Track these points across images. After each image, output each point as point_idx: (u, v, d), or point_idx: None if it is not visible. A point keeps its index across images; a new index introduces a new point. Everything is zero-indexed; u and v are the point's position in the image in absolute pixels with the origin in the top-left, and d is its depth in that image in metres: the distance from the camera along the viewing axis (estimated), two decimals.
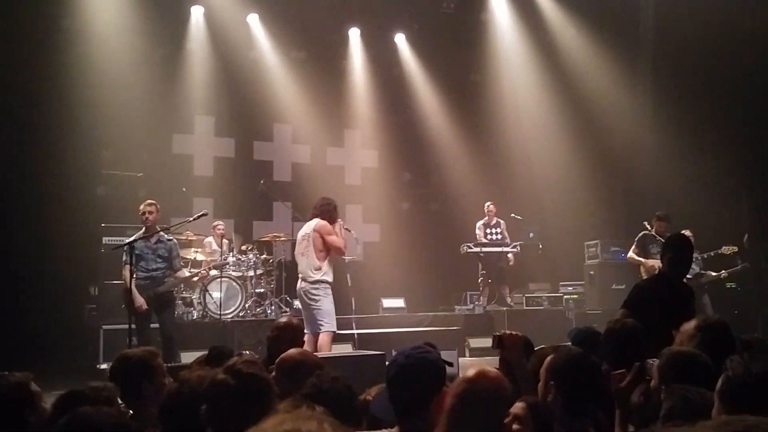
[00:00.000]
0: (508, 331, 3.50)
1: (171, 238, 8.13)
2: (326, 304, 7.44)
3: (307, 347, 6.42)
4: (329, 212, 7.61)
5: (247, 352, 4.81)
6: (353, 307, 8.96)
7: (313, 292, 7.42)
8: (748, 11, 10.40)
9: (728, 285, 10.69)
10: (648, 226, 9.70)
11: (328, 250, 7.48)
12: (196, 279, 9.28)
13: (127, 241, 7.77)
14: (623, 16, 12.67)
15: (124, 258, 7.64)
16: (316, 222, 7.57)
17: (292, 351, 3.80)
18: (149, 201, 7.89)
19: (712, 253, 9.82)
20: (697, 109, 11.31)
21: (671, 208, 10.03)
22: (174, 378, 3.43)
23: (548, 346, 3.66)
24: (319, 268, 7.43)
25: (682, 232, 9.32)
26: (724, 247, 9.88)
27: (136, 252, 7.53)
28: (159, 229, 7.92)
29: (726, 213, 11.53)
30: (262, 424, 1.33)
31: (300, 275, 7.62)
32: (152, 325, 7.89)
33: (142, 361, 3.67)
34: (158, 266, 7.83)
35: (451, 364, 2.98)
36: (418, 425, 2.73)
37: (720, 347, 3.16)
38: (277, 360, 3.67)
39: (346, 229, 8.25)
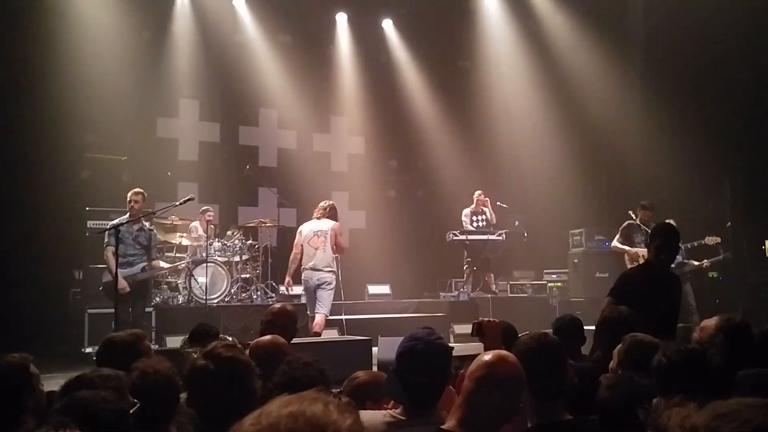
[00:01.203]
0: (486, 319, 3.52)
1: (152, 228, 8.31)
2: (331, 293, 8.61)
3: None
4: (335, 212, 8.88)
5: (230, 339, 4.74)
6: (341, 294, 9.06)
7: (329, 281, 8.56)
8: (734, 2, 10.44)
9: (710, 274, 10.81)
10: (632, 215, 9.76)
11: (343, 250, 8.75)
12: (176, 268, 9.46)
13: (110, 224, 7.86)
14: (612, 4, 12.65)
15: (106, 240, 7.81)
16: (333, 223, 8.73)
17: (264, 338, 3.79)
18: (137, 190, 7.99)
19: (695, 243, 9.86)
20: (683, 101, 11.39)
21: (655, 198, 10.09)
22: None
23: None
24: (334, 261, 8.64)
25: (666, 221, 9.45)
26: (707, 238, 9.93)
27: (118, 236, 7.61)
28: (142, 217, 8.06)
29: (710, 203, 11.63)
30: (267, 407, 1.32)
31: (312, 266, 8.60)
32: None
33: (128, 345, 3.63)
34: (135, 252, 7.97)
35: (452, 348, 2.99)
36: (427, 411, 2.75)
37: (741, 348, 3.22)
38: (249, 348, 3.65)
39: None
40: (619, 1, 12.69)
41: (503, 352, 2.64)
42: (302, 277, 8.72)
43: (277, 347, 3.62)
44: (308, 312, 8.62)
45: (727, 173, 11.57)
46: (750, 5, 10.19)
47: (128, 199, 7.93)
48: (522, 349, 2.81)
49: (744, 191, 11.36)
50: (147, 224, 8.18)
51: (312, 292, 8.61)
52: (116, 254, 7.55)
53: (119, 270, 7.60)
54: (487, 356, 2.56)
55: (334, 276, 8.62)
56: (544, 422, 2.67)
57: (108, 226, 7.84)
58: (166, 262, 9.28)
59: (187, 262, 9.43)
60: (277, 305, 5.07)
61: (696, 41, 11.13)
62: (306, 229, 8.78)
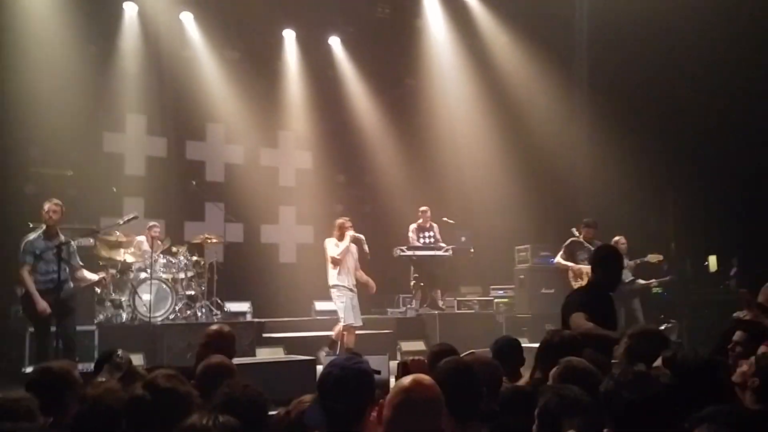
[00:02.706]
0: (412, 357, 3.60)
1: (69, 239, 7.66)
2: (338, 303, 9.31)
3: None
4: (338, 230, 9.49)
5: (120, 352, 4.48)
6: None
7: (332, 294, 9.39)
8: (678, 24, 10.74)
9: (654, 290, 11.00)
10: (576, 233, 9.96)
11: (335, 262, 9.30)
12: (98, 280, 8.42)
13: (25, 240, 7.37)
14: (558, 26, 12.84)
15: (24, 258, 7.28)
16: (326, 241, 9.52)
17: (213, 359, 3.80)
18: (55, 200, 7.52)
19: (638, 261, 10.09)
20: (628, 119, 11.56)
21: (600, 215, 10.30)
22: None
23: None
24: (332, 276, 9.34)
25: (615, 238, 9.68)
26: (649, 255, 10.15)
27: (37, 252, 7.27)
28: (59, 230, 7.56)
29: (653, 221, 11.86)
30: None
31: None
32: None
33: (65, 372, 3.59)
34: (57, 269, 7.31)
35: (379, 372, 3.04)
36: None
37: (648, 354, 3.35)
38: (199, 368, 3.68)
39: (356, 236, 9.61)
40: (565, 23, 12.88)
41: (420, 375, 2.69)
42: None
43: (228, 368, 3.64)
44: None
45: (670, 191, 11.82)
46: (691, 31, 10.50)
47: (46, 209, 7.38)
48: (439, 373, 2.94)
49: (686, 209, 11.60)
50: (63, 236, 7.55)
51: None
52: (61, 271, 7.21)
53: (43, 289, 7.23)
54: (404, 381, 2.62)
55: (333, 290, 9.34)
56: None
57: (23, 243, 7.31)
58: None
59: (113, 275, 8.83)
60: (214, 327, 4.98)
61: (641, 62, 11.35)
62: None
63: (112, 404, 2.93)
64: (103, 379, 4.04)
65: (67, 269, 7.56)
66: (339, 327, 9.39)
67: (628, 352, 3.47)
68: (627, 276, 9.69)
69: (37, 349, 7.44)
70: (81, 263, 7.95)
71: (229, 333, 4.89)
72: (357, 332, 11.08)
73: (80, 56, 11.49)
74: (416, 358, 3.53)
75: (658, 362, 3.29)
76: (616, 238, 9.82)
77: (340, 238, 9.43)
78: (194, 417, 2.55)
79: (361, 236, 9.70)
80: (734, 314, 4.55)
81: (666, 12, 10.75)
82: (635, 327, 3.79)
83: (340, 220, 9.68)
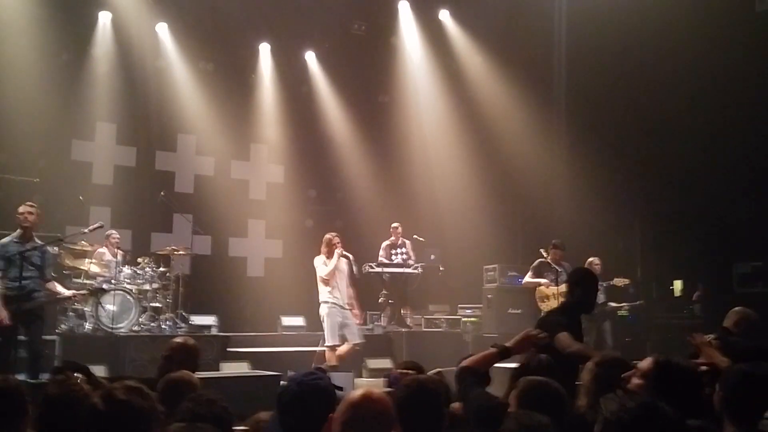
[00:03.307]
0: (399, 371, 3.56)
1: (44, 244, 7.49)
2: (326, 322, 9.10)
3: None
4: (326, 246, 9.25)
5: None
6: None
7: (320, 311, 9.18)
8: (656, 51, 10.92)
9: (620, 313, 11.11)
10: (544, 254, 10.01)
11: (324, 282, 9.14)
12: (70, 297, 8.10)
13: None
14: (536, 47, 12.92)
15: None
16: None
17: (175, 374, 3.74)
18: (29, 203, 7.41)
19: (604, 284, 10.17)
20: (599, 146, 11.69)
21: (568, 238, 10.35)
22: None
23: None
24: (323, 292, 9.15)
25: (590, 259, 9.75)
26: (616, 279, 10.28)
27: (8, 256, 7.10)
28: (34, 235, 7.40)
29: (620, 245, 11.97)
30: None
31: None
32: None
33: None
34: (29, 275, 7.14)
35: (341, 389, 3.00)
36: None
37: (613, 381, 3.36)
38: (160, 382, 3.63)
39: (344, 255, 9.39)
40: (543, 45, 12.90)
41: (370, 389, 2.63)
42: None
43: (190, 383, 3.58)
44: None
45: (637, 217, 11.95)
46: (668, 57, 10.68)
47: (20, 212, 7.21)
48: (400, 393, 2.92)
49: (653, 234, 11.74)
50: (39, 241, 7.41)
51: None
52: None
53: (7, 295, 7.02)
54: (353, 396, 2.56)
55: (322, 307, 9.14)
56: None
57: None
58: (73, 288, 8.50)
59: (87, 290, 8.63)
60: (178, 339, 4.89)
61: (619, 89, 11.49)
62: None
63: (77, 403, 2.87)
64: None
65: (36, 276, 7.34)
66: (328, 351, 9.13)
67: (596, 379, 3.49)
68: (600, 298, 9.76)
69: None
70: (53, 275, 7.76)
71: (194, 346, 4.80)
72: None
73: (51, 63, 11.44)
74: (404, 371, 3.50)
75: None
76: (591, 258, 9.90)
77: (329, 255, 9.22)
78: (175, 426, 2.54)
79: (350, 255, 9.55)
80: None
81: (645, 36, 10.92)
82: (601, 355, 3.82)
83: (328, 236, 9.42)
